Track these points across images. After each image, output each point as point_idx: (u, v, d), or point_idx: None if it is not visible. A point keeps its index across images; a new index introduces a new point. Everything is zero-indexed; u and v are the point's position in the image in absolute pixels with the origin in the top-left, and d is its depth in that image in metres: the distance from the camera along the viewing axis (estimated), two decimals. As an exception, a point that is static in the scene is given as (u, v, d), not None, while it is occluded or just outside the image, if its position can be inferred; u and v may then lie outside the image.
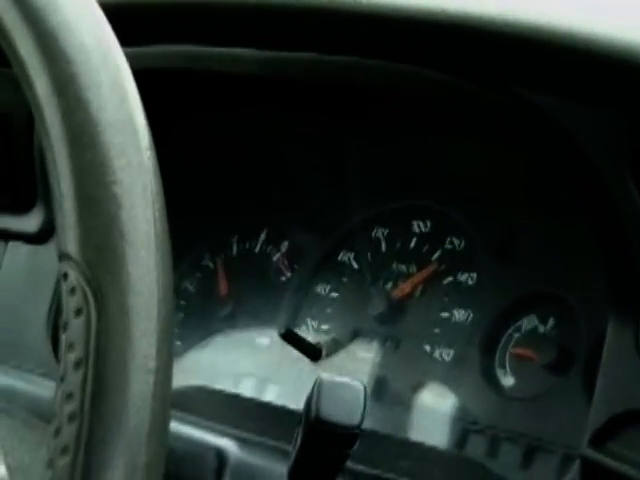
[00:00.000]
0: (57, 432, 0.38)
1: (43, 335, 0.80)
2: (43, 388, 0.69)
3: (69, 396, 0.38)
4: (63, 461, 0.37)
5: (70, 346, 0.38)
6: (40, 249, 0.85)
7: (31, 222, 0.85)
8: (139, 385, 0.38)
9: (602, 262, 0.62)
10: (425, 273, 0.78)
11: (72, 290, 0.39)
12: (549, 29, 0.60)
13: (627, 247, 0.60)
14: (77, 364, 0.38)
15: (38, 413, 0.57)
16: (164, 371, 0.39)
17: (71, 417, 0.38)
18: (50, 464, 0.38)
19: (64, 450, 0.37)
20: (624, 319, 0.60)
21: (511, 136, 0.69)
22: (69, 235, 0.39)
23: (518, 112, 0.63)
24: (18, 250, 0.86)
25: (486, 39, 0.63)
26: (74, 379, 0.38)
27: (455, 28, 0.63)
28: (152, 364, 0.38)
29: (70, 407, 0.38)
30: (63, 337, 0.39)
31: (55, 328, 0.81)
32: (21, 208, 0.85)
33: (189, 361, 0.84)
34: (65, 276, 0.39)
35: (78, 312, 0.38)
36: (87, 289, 0.38)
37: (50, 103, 0.40)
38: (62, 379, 0.39)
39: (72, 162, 0.39)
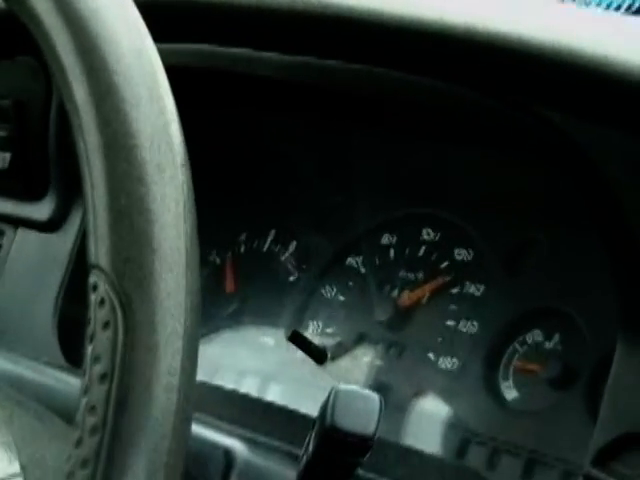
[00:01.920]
0: (78, 443, 0.38)
1: (50, 324, 0.81)
2: (51, 378, 0.69)
3: (92, 409, 0.38)
4: (83, 474, 0.38)
5: (96, 359, 0.39)
6: (49, 237, 0.85)
7: (42, 210, 0.85)
8: (162, 401, 0.38)
9: (613, 281, 0.63)
10: (433, 285, 0.79)
11: (101, 302, 0.39)
12: (570, 49, 0.61)
13: (638, 266, 0.60)
14: (102, 377, 0.38)
15: (48, 404, 0.57)
16: (187, 388, 0.39)
17: (93, 430, 0.38)
18: (70, 476, 0.38)
19: (84, 463, 0.38)
20: (633, 339, 0.60)
21: (527, 150, 0.70)
22: (100, 246, 0.39)
23: (535, 128, 0.64)
24: (27, 237, 0.86)
25: (507, 57, 0.63)
26: (98, 392, 0.38)
27: (476, 45, 0.63)
28: (176, 382, 0.38)
29: (93, 420, 0.38)
30: (89, 348, 0.39)
31: (62, 318, 0.81)
32: (33, 196, 0.86)
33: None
34: (95, 287, 0.39)
35: (106, 325, 0.39)
36: (116, 301, 0.39)
37: (88, 112, 0.40)
38: (86, 390, 0.39)
39: (107, 174, 0.39)
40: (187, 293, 0.39)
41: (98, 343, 0.39)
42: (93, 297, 0.39)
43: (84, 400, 0.39)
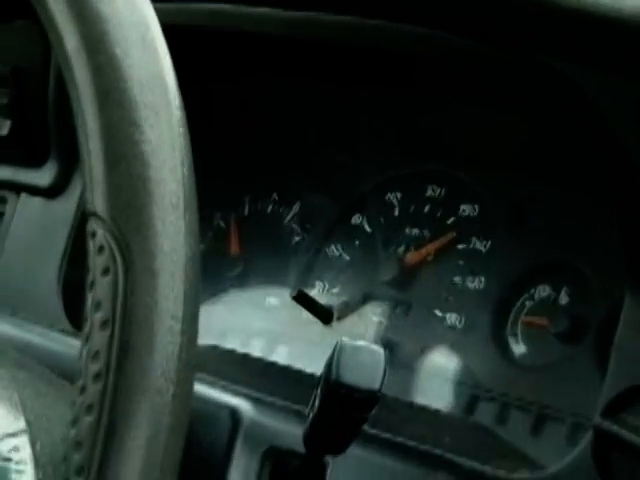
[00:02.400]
0: (82, 390, 0.38)
1: (54, 288, 0.80)
2: (55, 342, 0.69)
3: (95, 355, 0.38)
4: (87, 419, 0.38)
5: (97, 305, 0.38)
6: (52, 203, 0.84)
7: (44, 176, 0.85)
8: (165, 346, 0.38)
9: (620, 233, 0.62)
10: (438, 243, 0.78)
11: (100, 249, 0.38)
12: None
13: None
14: (104, 323, 0.38)
15: (52, 367, 0.57)
16: (190, 333, 0.39)
17: (96, 376, 0.38)
18: (74, 422, 0.38)
19: (89, 409, 0.38)
20: (641, 291, 0.60)
21: (532, 104, 0.69)
22: (97, 193, 0.39)
23: (542, 80, 0.63)
24: (30, 203, 0.85)
25: (513, 5, 0.62)
26: (100, 338, 0.38)
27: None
28: (178, 326, 0.38)
29: (96, 366, 0.38)
30: (90, 296, 0.39)
31: (66, 282, 0.81)
32: (34, 161, 0.85)
33: (199, 319, 0.84)
34: (93, 234, 0.39)
35: (105, 271, 0.38)
36: (115, 248, 0.38)
37: (80, 59, 0.39)
38: (88, 338, 0.38)
39: (101, 119, 0.39)
40: (186, 236, 0.39)
41: (98, 289, 0.38)
42: (92, 244, 0.39)
43: (86, 347, 0.38)
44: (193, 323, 0.39)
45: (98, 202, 0.39)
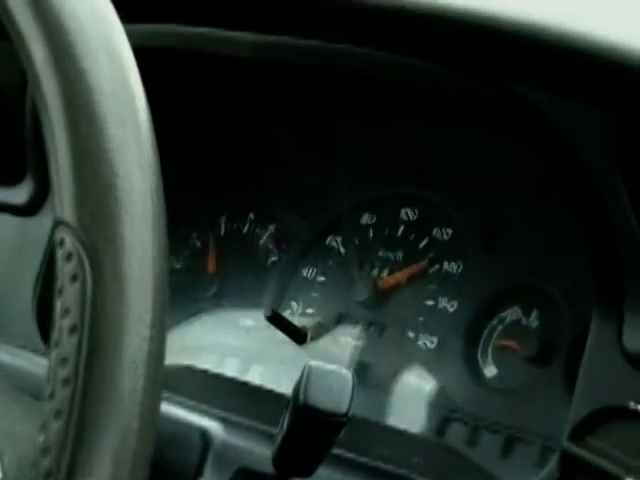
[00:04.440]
0: (51, 396, 0.38)
1: (28, 309, 0.80)
2: (27, 362, 0.69)
3: (63, 361, 0.38)
4: (56, 425, 0.38)
5: (65, 311, 0.39)
6: (28, 222, 0.84)
7: (20, 194, 0.85)
8: (133, 350, 0.38)
9: (588, 256, 0.63)
10: (413, 269, 0.79)
11: (68, 256, 0.39)
12: (543, 26, 0.60)
13: (613, 242, 0.60)
14: (72, 329, 0.38)
15: (23, 387, 0.57)
16: (158, 339, 0.39)
17: (65, 381, 0.38)
18: (43, 428, 0.38)
19: (57, 414, 0.38)
20: (607, 314, 0.61)
21: (501, 128, 0.70)
22: (66, 202, 0.39)
23: (509, 105, 0.64)
24: (5, 222, 0.85)
25: (480, 33, 0.63)
26: (69, 344, 0.38)
27: (450, 22, 0.63)
28: (147, 331, 0.39)
29: (64, 372, 0.38)
30: (58, 303, 0.39)
31: (40, 302, 0.81)
32: (10, 180, 0.85)
33: (174, 339, 0.84)
34: (61, 242, 0.39)
35: (74, 278, 0.39)
36: (83, 255, 0.39)
37: (48, 73, 0.40)
38: (57, 344, 0.39)
39: (69, 130, 0.40)
40: (153, 244, 0.39)
41: (67, 296, 0.39)
42: (60, 252, 0.39)
43: (54, 353, 0.39)
44: (161, 328, 0.39)
45: (66, 210, 0.39)
